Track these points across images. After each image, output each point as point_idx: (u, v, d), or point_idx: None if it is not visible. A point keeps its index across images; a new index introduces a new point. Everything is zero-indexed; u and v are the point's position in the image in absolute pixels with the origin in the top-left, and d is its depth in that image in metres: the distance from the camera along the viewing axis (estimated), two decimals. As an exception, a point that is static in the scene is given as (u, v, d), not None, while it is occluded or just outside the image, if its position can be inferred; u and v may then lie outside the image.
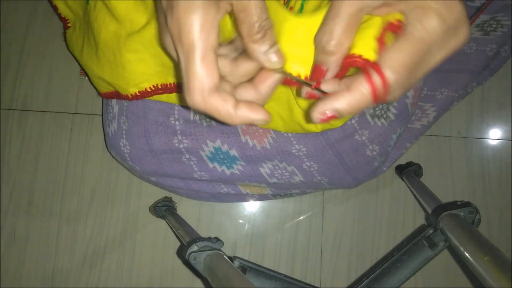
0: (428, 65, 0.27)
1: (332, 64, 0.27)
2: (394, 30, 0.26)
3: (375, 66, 0.25)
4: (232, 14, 0.28)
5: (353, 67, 0.28)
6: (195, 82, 0.27)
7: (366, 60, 0.26)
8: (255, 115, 0.28)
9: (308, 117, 0.27)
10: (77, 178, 0.78)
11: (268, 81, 0.30)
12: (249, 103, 0.29)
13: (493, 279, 0.38)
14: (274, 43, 0.28)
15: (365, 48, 0.26)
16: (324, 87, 0.28)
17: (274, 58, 0.28)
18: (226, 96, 0.28)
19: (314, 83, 0.28)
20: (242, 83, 0.31)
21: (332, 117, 0.27)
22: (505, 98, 0.80)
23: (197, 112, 0.28)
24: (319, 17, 0.28)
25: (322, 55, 0.27)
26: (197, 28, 0.26)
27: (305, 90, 0.29)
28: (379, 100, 0.26)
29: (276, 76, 0.29)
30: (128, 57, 0.46)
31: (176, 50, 0.28)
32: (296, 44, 0.29)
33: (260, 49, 0.28)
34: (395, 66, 0.25)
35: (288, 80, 0.30)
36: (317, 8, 0.29)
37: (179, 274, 0.76)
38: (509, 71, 0.78)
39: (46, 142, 0.78)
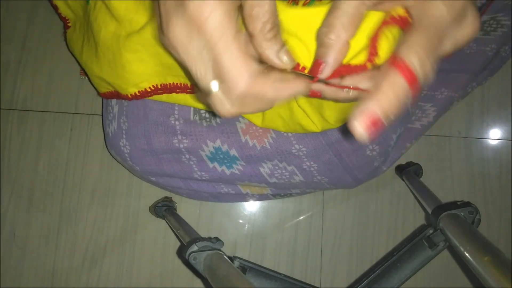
0: (439, 54, 0.26)
1: (330, 57, 0.26)
2: (399, 24, 0.26)
3: (396, 61, 0.24)
4: (241, 10, 0.27)
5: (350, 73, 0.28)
6: (240, 68, 0.26)
7: (358, 66, 0.27)
8: (298, 85, 0.28)
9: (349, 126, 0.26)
10: (77, 178, 0.78)
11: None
12: (283, 76, 0.28)
13: (493, 279, 0.38)
14: (284, 44, 0.27)
15: (355, 50, 0.27)
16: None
17: (285, 57, 0.27)
18: (270, 75, 0.27)
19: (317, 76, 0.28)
20: None
21: (377, 125, 0.25)
22: (505, 98, 0.80)
23: (236, 104, 0.28)
24: (319, 9, 0.27)
25: (321, 48, 0.27)
26: (221, 13, 0.25)
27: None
28: (417, 89, 0.25)
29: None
30: (127, 57, 0.46)
31: (193, 47, 0.26)
32: (292, 35, 0.29)
33: (272, 48, 0.27)
34: (418, 53, 0.24)
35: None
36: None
37: (179, 274, 0.76)
38: (509, 71, 0.78)
39: (46, 142, 0.78)
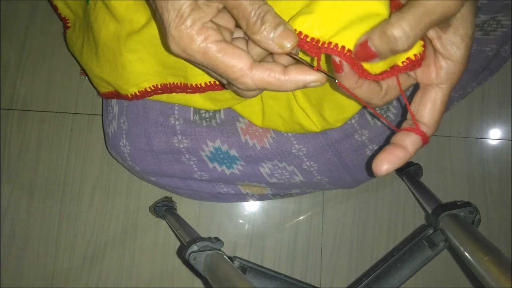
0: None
1: (386, 57, 0.27)
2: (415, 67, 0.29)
3: (415, 129, 0.29)
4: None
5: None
6: (233, 73, 0.27)
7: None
8: (308, 76, 0.27)
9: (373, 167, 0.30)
10: (77, 178, 0.78)
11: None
12: (298, 65, 0.28)
13: (493, 279, 0.38)
14: (278, 25, 0.27)
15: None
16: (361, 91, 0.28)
17: (280, 41, 0.27)
18: (270, 65, 0.27)
19: (333, 78, 0.28)
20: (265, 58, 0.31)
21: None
22: (505, 98, 0.80)
23: (254, 92, 0.30)
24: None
25: (384, 45, 0.26)
26: (195, 36, 0.26)
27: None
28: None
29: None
30: (127, 57, 0.46)
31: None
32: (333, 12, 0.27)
33: (263, 38, 0.27)
34: (432, 123, 0.30)
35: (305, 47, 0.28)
36: None
37: (179, 274, 0.76)
38: (509, 71, 0.78)
39: (46, 142, 0.78)
